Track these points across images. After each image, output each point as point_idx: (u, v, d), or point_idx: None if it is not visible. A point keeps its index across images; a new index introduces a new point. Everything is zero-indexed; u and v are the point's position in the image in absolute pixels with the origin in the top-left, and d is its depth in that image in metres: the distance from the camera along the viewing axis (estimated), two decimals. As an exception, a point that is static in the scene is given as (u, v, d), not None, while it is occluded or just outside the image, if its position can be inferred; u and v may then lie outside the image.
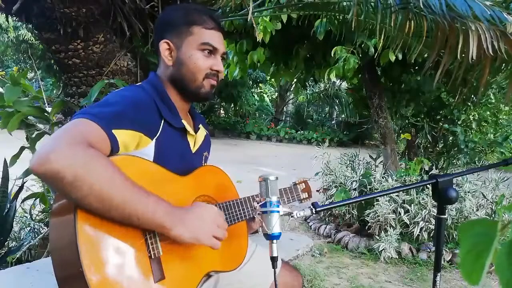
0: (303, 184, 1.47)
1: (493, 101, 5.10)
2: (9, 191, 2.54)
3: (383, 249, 3.37)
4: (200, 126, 1.27)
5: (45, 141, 0.86)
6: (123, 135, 0.96)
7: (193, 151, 1.20)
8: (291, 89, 14.44)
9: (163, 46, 1.14)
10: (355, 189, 3.87)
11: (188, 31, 1.13)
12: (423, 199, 3.52)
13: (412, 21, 2.30)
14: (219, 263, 1.14)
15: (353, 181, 3.91)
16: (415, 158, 4.32)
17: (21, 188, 2.57)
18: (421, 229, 3.45)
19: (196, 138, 1.22)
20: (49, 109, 2.18)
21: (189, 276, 1.03)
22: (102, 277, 0.84)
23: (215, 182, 1.21)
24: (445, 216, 1.11)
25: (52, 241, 0.90)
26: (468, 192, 3.66)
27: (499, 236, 0.31)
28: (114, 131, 0.93)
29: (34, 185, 2.93)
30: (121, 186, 0.86)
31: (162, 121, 1.08)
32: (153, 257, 0.93)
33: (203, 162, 1.27)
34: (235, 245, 1.22)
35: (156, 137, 1.05)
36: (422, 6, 1.98)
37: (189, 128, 1.17)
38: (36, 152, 0.84)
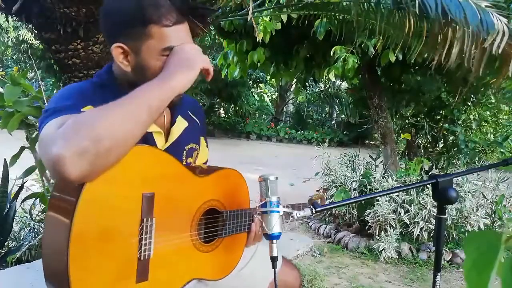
0: (319, 200, 1.44)
1: (493, 101, 5.10)
2: (9, 191, 2.54)
3: (383, 249, 3.37)
4: (178, 117, 1.14)
5: (44, 158, 0.81)
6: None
7: (162, 149, 1.07)
8: (291, 89, 14.44)
9: (116, 51, 0.96)
10: (355, 189, 3.87)
11: (145, 33, 0.94)
12: (423, 199, 3.52)
13: (412, 21, 2.30)
14: (208, 270, 1.10)
15: (353, 181, 3.91)
16: (415, 158, 4.32)
17: (21, 188, 2.57)
18: (421, 229, 3.45)
19: (171, 133, 1.11)
20: (49, 109, 2.17)
21: (173, 280, 1.00)
22: (84, 275, 0.81)
23: (229, 188, 1.15)
24: (445, 216, 1.11)
25: (44, 234, 0.88)
26: (468, 192, 3.66)
27: (503, 249, 0.31)
28: (83, 109, 0.90)
29: (34, 185, 2.93)
30: (126, 110, 0.83)
31: None
32: (142, 258, 0.90)
33: (183, 157, 1.15)
34: (229, 255, 1.17)
35: None
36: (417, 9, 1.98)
37: (152, 128, 1.04)
38: (48, 167, 0.79)
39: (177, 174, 1.00)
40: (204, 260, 1.08)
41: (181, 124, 1.15)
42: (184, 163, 1.15)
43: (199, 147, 1.23)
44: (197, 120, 1.23)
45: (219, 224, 1.12)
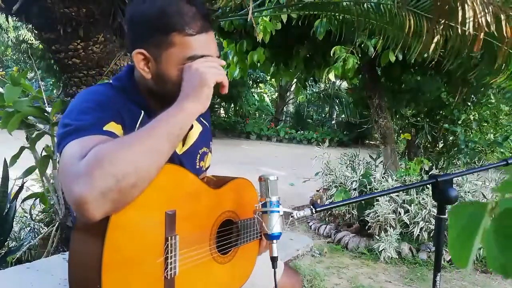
0: (319, 200, 1.47)
1: (493, 101, 5.10)
2: (9, 191, 2.54)
3: (383, 249, 3.37)
4: (194, 121, 1.15)
5: (65, 192, 0.79)
6: (113, 128, 0.89)
7: (180, 152, 1.08)
8: (291, 89, 14.44)
9: (137, 58, 0.95)
10: (355, 189, 3.87)
11: (167, 41, 0.92)
12: (423, 199, 3.52)
13: (412, 21, 2.30)
14: (228, 281, 1.12)
15: (353, 181, 3.91)
16: (415, 158, 4.32)
17: (21, 188, 2.57)
18: (421, 229, 3.45)
19: (188, 137, 1.11)
20: (49, 109, 2.18)
21: None
22: None
23: (241, 197, 1.17)
24: (445, 216, 1.11)
25: (74, 255, 0.86)
26: (468, 192, 3.67)
27: (488, 217, 0.31)
28: (105, 128, 0.87)
29: (34, 185, 2.93)
30: (147, 144, 0.81)
31: (137, 125, 0.97)
32: (168, 277, 0.89)
33: (197, 160, 1.16)
34: (244, 263, 1.20)
35: None
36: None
37: None
38: (72, 205, 0.77)
39: (195, 188, 1.00)
40: (224, 272, 1.09)
41: (197, 128, 1.15)
42: (197, 166, 1.16)
43: (209, 151, 1.24)
44: (207, 124, 1.24)
45: (234, 234, 1.13)
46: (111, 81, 1.04)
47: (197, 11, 0.93)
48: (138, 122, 0.97)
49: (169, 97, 0.93)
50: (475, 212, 0.31)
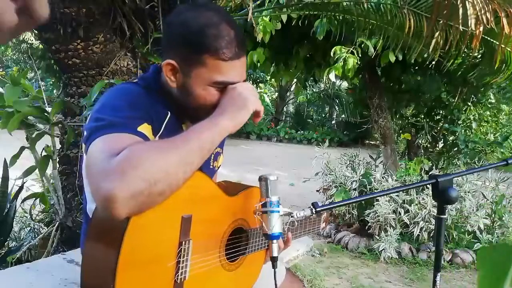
0: (324, 224, 1.46)
1: (493, 101, 5.11)
2: (9, 191, 2.54)
3: (383, 249, 3.37)
4: None
5: (92, 186, 0.78)
6: (145, 129, 0.90)
7: None
8: (291, 89, 14.43)
9: (166, 67, 0.96)
10: (355, 189, 3.87)
11: (199, 59, 0.92)
12: (423, 199, 3.52)
13: (412, 21, 2.30)
14: None
15: (353, 181, 3.91)
16: (415, 158, 4.32)
17: (21, 188, 2.57)
18: (421, 229, 3.45)
19: None
20: (49, 109, 2.18)
21: None
22: None
23: (254, 206, 1.17)
24: (445, 216, 1.11)
25: (89, 252, 0.87)
26: (468, 192, 3.67)
27: None
28: (139, 129, 0.88)
29: (34, 185, 2.93)
30: (180, 153, 0.81)
31: (163, 126, 0.99)
32: (178, 281, 0.90)
33: (211, 160, 1.19)
34: (249, 272, 1.19)
35: (158, 134, 0.97)
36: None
37: None
38: (98, 201, 0.77)
39: (211, 194, 1.00)
40: (229, 279, 1.09)
41: None
42: (211, 166, 1.18)
43: (222, 151, 1.25)
44: None
45: (243, 243, 1.13)
46: (137, 80, 1.06)
47: (235, 36, 0.93)
48: (165, 122, 0.98)
49: (188, 108, 0.98)
50: (504, 255, 0.31)
